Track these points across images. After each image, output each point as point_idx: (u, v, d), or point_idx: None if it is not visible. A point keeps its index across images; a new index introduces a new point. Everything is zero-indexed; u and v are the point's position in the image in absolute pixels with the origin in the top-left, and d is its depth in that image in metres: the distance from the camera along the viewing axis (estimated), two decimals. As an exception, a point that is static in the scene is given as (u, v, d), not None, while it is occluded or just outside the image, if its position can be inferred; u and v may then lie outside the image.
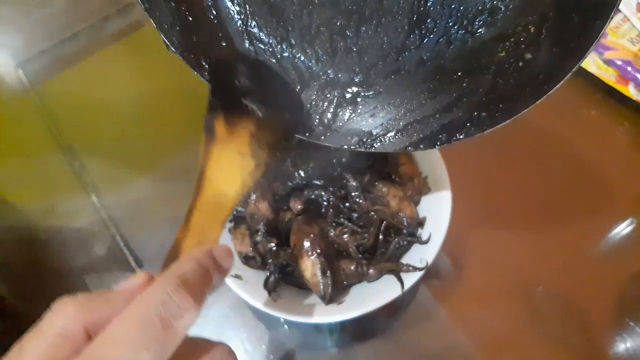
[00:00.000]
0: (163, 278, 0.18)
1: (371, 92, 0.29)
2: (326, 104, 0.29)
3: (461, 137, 0.25)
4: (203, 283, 0.19)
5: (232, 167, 0.23)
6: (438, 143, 0.26)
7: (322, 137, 0.28)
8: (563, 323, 0.36)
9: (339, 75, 0.29)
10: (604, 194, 0.42)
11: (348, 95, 0.29)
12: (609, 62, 0.46)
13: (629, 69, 0.45)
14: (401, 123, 0.27)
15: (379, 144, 0.27)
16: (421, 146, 0.26)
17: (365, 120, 0.29)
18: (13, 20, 0.58)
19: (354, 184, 0.34)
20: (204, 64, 0.26)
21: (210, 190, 0.22)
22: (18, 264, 0.42)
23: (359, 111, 0.29)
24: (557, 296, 0.37)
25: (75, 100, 0.52)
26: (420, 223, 0.34)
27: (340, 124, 0.29)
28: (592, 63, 0.47)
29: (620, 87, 0.46)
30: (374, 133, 0.28)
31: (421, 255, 0.32)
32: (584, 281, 0.38)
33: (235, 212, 0.36)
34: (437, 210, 0.34)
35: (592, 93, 0.48)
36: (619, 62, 0.45)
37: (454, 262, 0.38)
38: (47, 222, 0.44)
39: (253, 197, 0.35)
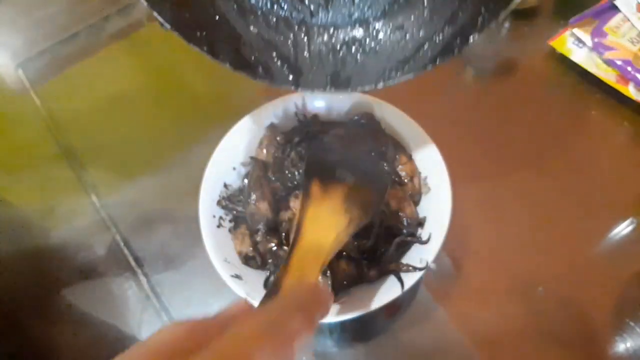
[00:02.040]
0: (281, 304, 0.18)
1: (374, 27, 0.29)
2: (333, 53, 0.29)
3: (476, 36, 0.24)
4: (314, 315, 0.19)
5: (326, 223, 0.25)
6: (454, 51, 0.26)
7: (329, 88, 0.29)
8: (563, 323, 0.36)
9: (338, 21, 0.29)
10: (604, 193, 0.42)
11: (352, 39, 0.29)
12: (609, 62, 0.46)
13: (629, 69, 0.45)
14: (410, 46, 0.28)
15: (396, 73, 0.28)
16: (429, 67, 0.27)
17: (375, 56, 0.29)
18: (13, 20, 0.58)
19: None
20: (198, 35, 0.27)
21: (307, 240, 0.24)
22: (18, 264, 0.42)
23: (367, 50, 0.29)
24: (557, 296, 0.37)
25: (75, 100, 0.52)
26: (420, 223, 0.34)
27: (350, 69, 0.29)
28: (592, 63, 0.47)
29: (620, 87, 0.46)
30: (387, 67, 0.28)
31: (421, 255, 0.32)
32: (584, 281, 0.38)
33: (235, 212, 0.36)
34: (437, 210, 0.34)
35: (592, 93, 0.48)
36: (619, 62, 0.45)
37: (454, 262, 0.38)
38: (47, 223, 0.44)
39: (253, 197, 0.35)
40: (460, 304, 0.37)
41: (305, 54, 0.30)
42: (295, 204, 0.34)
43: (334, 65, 0.29)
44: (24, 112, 0.51)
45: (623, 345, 0.35)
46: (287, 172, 0.36)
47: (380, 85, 0.28)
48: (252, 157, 0.38)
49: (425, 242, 0.32)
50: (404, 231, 0.34)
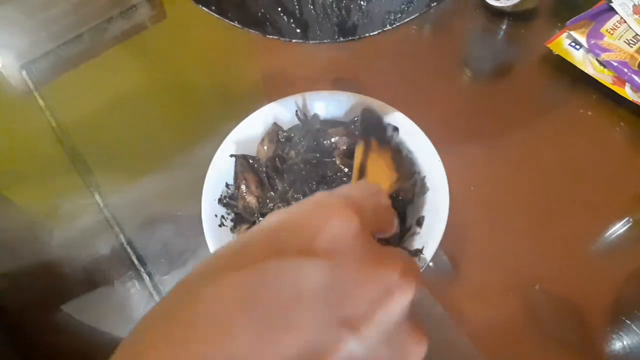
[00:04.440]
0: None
1: None
2: (337, 3, 0.30)
3: None
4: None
5: (383, 172, 0.30)
6: None
7: (337, 37, 0.30)
8: (560, 321, 0.36)
9: None
10: (601, 193, 0.42)
11: None
12: (606, 64, 0.47)
13: (626, 70, 0.45)
14: None
15: (401, 15, 0.29)
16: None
17: (378, 1, 0.30)
18: (17, 21, 0.59)
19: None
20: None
21: (370, 179, 0.27)
22: (21, 264, 0.42)
23: None
24: (554, 294, 0.37)
25: (78, 101, 0.52)
26: (419, 222, 0.35)
27: (355, 17, 0.30)
28: (588, 64, 0.48)
29: (616, 89, 0.46)
30: (391, 10, 0.29)
31: (419, 254, 0.32)
32: (581, 280, 0.38)
33: (236, 211, 0.37)
34: (435, 210, 0.34)
35: (588, 94, 0.48)
36: (616, 64, 0.46)
37: (451, 260, 0.39)
38: (51, 222, 0.44)
39: (244, 190, 0.36)
40: (458, 301, 0.37)
41: (310, 6, 0.30)
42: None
43: (339, 15, 0.30)
44: (28, 113, 0.52)
45: (620, 344, 0.35)
46: (285, 168, 0.37)
47: (387, 28, 0.29)
48: (231, 155, 0.38)
49: (416, 254, 0.32)
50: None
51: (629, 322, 0.36)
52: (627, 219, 0.41)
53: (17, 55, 0.55)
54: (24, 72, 0.54)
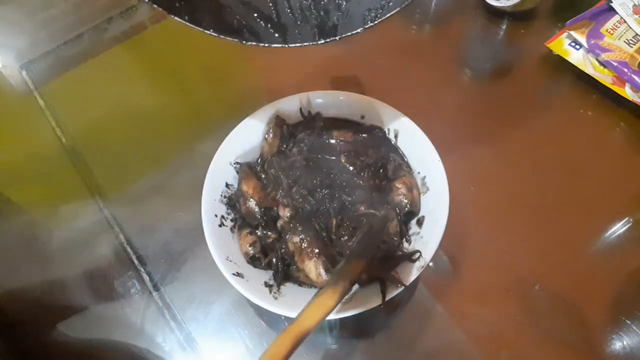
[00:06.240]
0: None
1: None
2: (315, 5, 0.30)
3: None
4: None
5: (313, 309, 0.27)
6: None
7: (318, 39, 0.29)
8: (560, 321, 0.36)
9: None
10: (601, 193, 0.42)
11: None
12: (606, 64, 0.47)
13: (625, 70, 0.45)
14: None
15: (382, 11, 0.28)
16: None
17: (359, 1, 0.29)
18: (17, 21, 0.59)
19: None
20: (177, 5, 0.27)
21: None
22: (21, 264, 0.42)
23: None
24: (554, 294, 0.37)
25: (78, 102, 0.52)
26: (419, 221, 0.35)
27: (335, 18, 0.29)
28: (588, 64, 0.48)
29: (616, 89, 0.46)
30: (371, 8, 0.28)
31: (420, 254, 0.32)
32: (580, 279, 0.38)
33: (236, 211, 0.37)
34: (435, 209, 0.34)
35: (588, 94, 0.48)
36: (615, 64, 0.46)
37: (451, 260, 0.39)
38: (51, 222, 0.44)
39: (247, 196, 0.36)
40: (458, 301, 0.37)
41: (287, 10, 0.30)
42: (284, 211, 0.34)
43: (317, 17, 0.29)
44: (28, 113, 0.52)
45: (620, 343, 0.35)
46: (289, 164, 0.37)
47: (368, 25, 0.28)
48: (236, 163, 0.38)
49: (414, 261, 0.32)
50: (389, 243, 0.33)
51: (629, 322, 0.36)
52: (627, 219, 0.41)
53: (17, 55, 0.55)
54: (24, 72, 0.54)
